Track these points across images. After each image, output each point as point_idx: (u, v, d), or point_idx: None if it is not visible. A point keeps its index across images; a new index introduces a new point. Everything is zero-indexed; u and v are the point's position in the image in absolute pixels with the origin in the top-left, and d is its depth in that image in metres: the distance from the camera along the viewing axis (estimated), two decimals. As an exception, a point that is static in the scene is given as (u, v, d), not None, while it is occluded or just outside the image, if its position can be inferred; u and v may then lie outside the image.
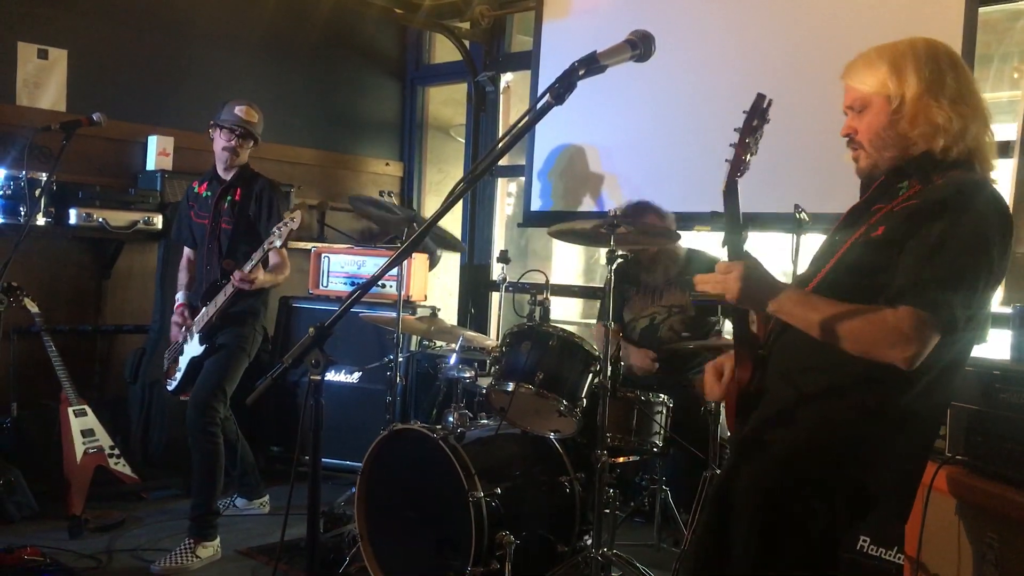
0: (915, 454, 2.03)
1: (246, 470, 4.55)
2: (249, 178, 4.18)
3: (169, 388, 4.23)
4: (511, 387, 3.43)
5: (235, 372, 4.09)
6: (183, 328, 4.18)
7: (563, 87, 1.62)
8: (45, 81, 4.88)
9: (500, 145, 1.69)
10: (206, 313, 4.04)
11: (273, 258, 4.04)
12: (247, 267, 3.88)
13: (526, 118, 1.64)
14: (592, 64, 1.63)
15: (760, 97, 2.01)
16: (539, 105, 1.63)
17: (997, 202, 1.92)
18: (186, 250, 4.37)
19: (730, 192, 2.00)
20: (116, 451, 4.48)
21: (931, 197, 1.91)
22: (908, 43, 2.02)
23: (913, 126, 1.96)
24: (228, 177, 4.17)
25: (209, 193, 4.20)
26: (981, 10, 3.85)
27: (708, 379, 2.20)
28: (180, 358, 4.17)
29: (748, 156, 2.00)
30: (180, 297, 4.28)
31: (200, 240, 4.22)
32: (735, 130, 2.00)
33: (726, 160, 2.00)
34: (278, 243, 3.73)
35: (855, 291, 1.92)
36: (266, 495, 4.61)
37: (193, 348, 4.10)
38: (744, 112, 2.01)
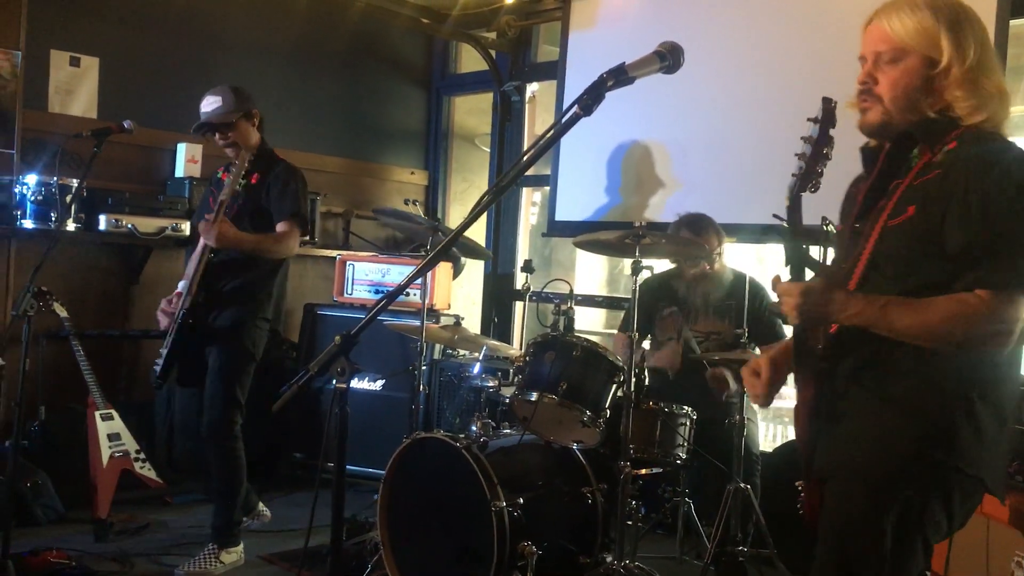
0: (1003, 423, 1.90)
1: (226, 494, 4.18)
2: (268, 163, 3.99)
3: (154, 371, 3.88)
4: (534, 397, 3.43)
5: (244, 377, 3.94)
6: (165, 313, 3.90)
7: (591, 98, 1.62)
8: (77, 88, 4.94)
9: (527, 156, 1.69)
10: (187, 286, 3.80)
11: (280, 227, 3.87)
12: (211, 217, 3.67)
13: (554, 129, 1.64)
14: (621, 76, 1.64)
15: (827, 101, 1.88)
16: (567, 116, 1.63)
17: (1014, 148, 1.85)
18: (200, 242, 4.06)
19: (794, 206, 1.90)
20: (142, 455, 4.51)
21: (955, 164, 1.81)
22: (957, 2, 1.91)
23: (958, 95, 1.85)
24: (247, 162, 3.92)
25: (229, 180, 3.95)
26: (1012, 22, 3.82)
27: (747, 379, 2.12)
28: (168, 341, 3.84)
29: (821, 168, 1.88)
30: (180, 286, 3.96)
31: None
32: (803, 139, 1.88)
33: (793, 175, 1.89)
34: (226, 193, 3.68)
35: (902, 282, 1.84)
36: (259, 503, 4.47)
37: (182, 331, 3.78)
38: (812, 120, 1.87)
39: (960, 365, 1.82)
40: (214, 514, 3.97)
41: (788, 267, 1.93)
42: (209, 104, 3.95)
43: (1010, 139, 1.89)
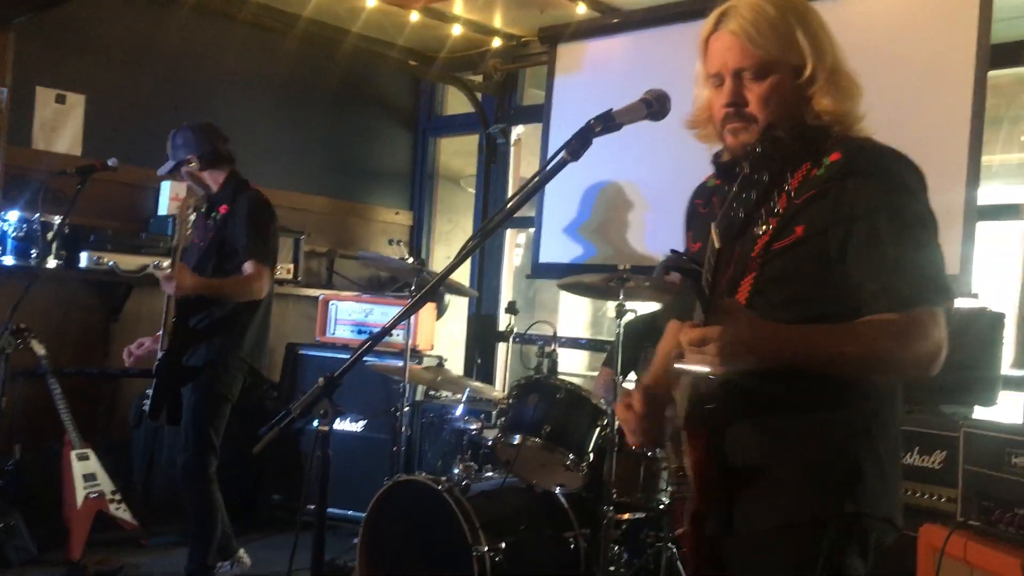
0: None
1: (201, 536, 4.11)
2: (235, 192, 3.96)
3: (144, 409, 3.94)
4: (517, 440, 3.41)
5: (217, 421, 3.89)
6: (131, 353, 3.97)
7: (579, 144, 1.63)
8: (62, 125, 4.93)
9: (515, 200, 1.69)
10: (163, 324, 3.79)
11: (246, 268, 3.82)
12: (171, 266, 3.71)
13: (541, 173, 1.65)
14: (608, 122, 1.65)
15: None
16: (555, 161, 1.64)
17: (903, 156, 1.74)
18: None
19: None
20: (118, 496, 4.44)
21: (847, 179, 1.67)
22: (797, 7, 1.77)
23: (827, 103, 1.74)
24: (215, 195, 4.01)
25: (204, 211, 4.04)
26: (990, 73, 3.88)
27: (621, 415, 1.85)
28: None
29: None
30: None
31: (190, 259, 3.95)
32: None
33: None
34: (176, 240, 3.71)
35: (793, 308, 1.67)
36: (240, 549, 4.29)
37: (159, 372, 3.82)
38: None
39: (862, 398, 1.71)
40: (188, 558, 3.92)
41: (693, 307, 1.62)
42: (171, 147, 4.05)
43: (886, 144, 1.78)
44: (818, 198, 1.65)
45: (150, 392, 3.85)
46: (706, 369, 1.53)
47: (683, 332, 1.55)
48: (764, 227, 1.70)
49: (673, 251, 1.62)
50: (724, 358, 1.50)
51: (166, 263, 4.17)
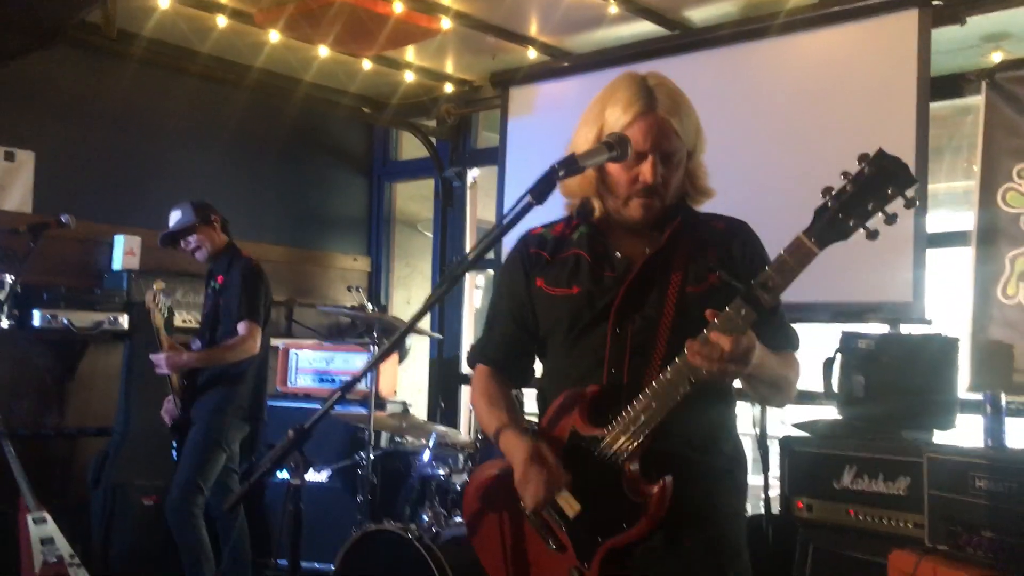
0: None
1: (235, 564, 4.30)
2: (230, 262, 4.33)
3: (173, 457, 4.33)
4: (487, 484, 3.38)
5: (208, 466, 4.16)
6: (168, 413, 4.31)
7: (543, 187, 1.65)
8: (11, 183, 4.86)
9: (481, 245, 1.71)
10: (170, 399, 4.24)
11: (241, 329, 4.17)
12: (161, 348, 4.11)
13: (507, 217, 1.66)
14: (571, 165, 1.67)
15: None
16: (520, 205, 1.65)
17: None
18: None
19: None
20: (76, 560, 4.31)
21: (734, 236, 2.00)
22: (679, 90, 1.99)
23: (701, 175, 2.02)
24: (212, 265, 4.40)
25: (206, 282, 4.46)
26: (932, 105, 4.00)
27: (530, 474, 1.90)
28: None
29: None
30: None
31: (201, 329, 4.42)
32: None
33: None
34: (158, 321, 4.11)
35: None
36: None
37: (174, 432, 4.26)
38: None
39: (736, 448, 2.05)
40: None
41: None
42: (172, 218, 4.36)
43: None
44: (721, 252, 1.96)
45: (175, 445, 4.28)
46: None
47: (723, 342, 1.68)
48: (670, 276, 1.92)
49: (618, 308, 1.92)
50: (745, 371, 1.75)
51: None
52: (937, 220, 4.29)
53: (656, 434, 1.81)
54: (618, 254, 1.99)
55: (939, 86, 4.06)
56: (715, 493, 1.94)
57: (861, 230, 1.64)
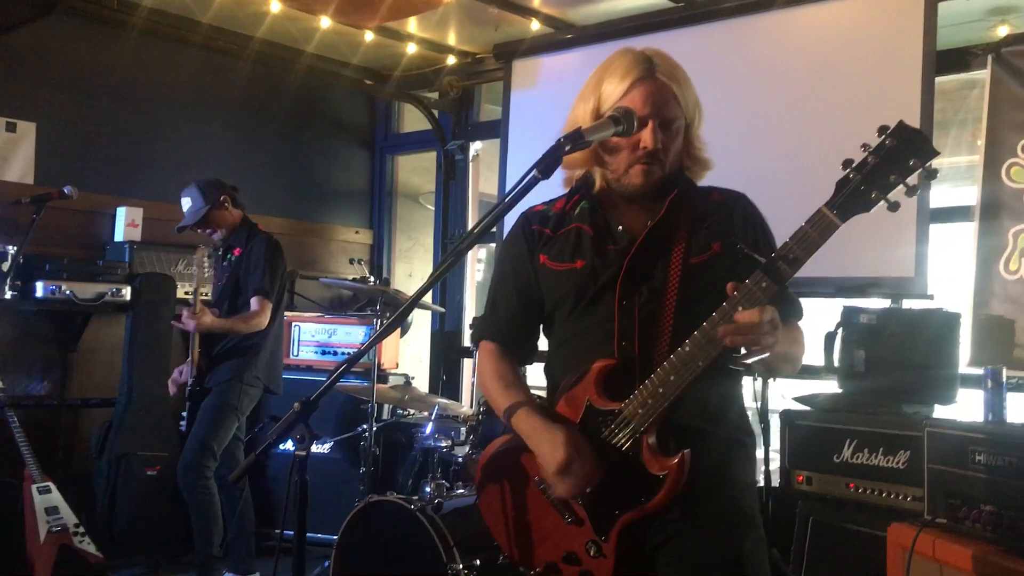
0: None
1: (240, 536, 4.39)
2: (248, 236, 4.43)
3: (181, 429, 4.43)
4: (489, 456, 3.41)
5: (221, 429, 4.27)
6: (175, 383, 4.44)
7: (550, 162, 1.65)
8: (13, 154, 4.85)
9: (486, 220, 1.71)
10: (189, 356, 4.32)
11: (253, 304, 4.29)
12: (191, 307, 4.19)
13: (513, 192, 1.66)
14: (578, 140, 1.67)
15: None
16: (526, 180, 1.65)
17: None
18: None
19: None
20: (81, 529, 4.35)
21: (735, 206, 2.01)
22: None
23: (700, 147, 2.02)
24: (230, 239, 4.50)
25: (220, 254, 4.53)
26: (937, 79, 3.98)
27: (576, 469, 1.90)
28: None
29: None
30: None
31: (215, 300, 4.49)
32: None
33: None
34: (195, 284, 4.23)
35: (710, 305, 1.79)
36: (257, 572, 4.43)
37: (193, 398, 4.33)
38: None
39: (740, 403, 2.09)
40: (196, 552, 4.29)
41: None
42: (184, 205, 4.41)
43: None
44: (722, 222, 1.95)
45: (185, 415, 4.36)
46: (765, 355, 1.72)
47: (754, 316, 1.68)
48: (674, 246, 1.93)
49: (622, 281, 1.93)
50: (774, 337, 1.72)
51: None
52: (940, 195, 4.28)
53: (673, 407, 1.82)
54: (620, 227, 1.99)
55: (944, 60, 4.04)
56: (729, 464, 1.96)
57: (883, 202, 1.65)
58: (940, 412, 3.39)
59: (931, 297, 3.88)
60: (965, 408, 3.45)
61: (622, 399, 1.86)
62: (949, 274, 4.18)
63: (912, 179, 1.64)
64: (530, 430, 1.96)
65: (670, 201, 1.96)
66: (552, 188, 2.00)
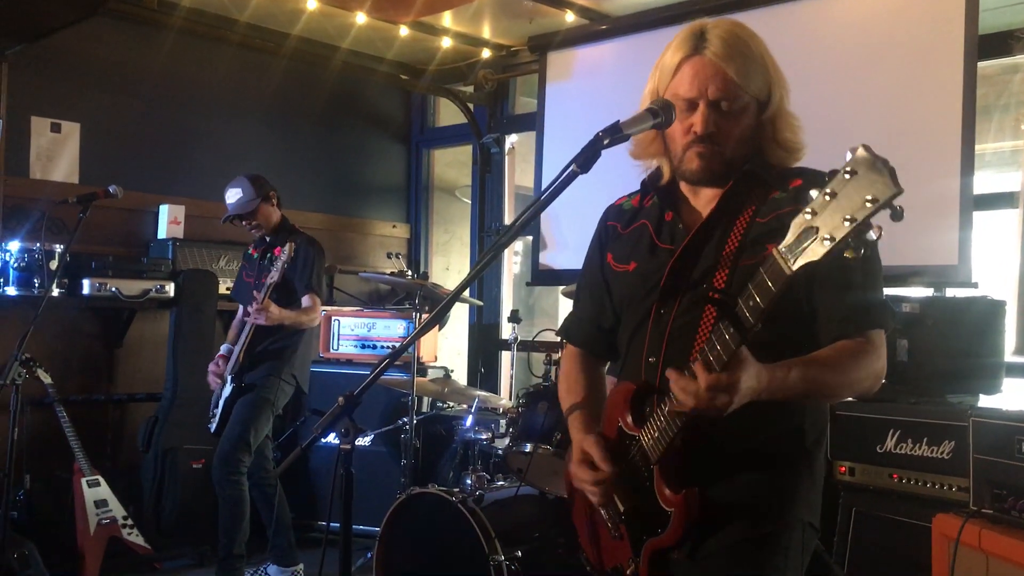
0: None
1: (279, 530, 4.44)
2: (287, 236, 4.44)
3: (210, 429, 4.44)
4: (529, 448, 3.43)
5: (259, 423, 4.30)
6: (215, 375, 4.42)
7: (588, 156, 1.65)
8: (58, 154, 4.95)
9: (525, 214, 1.71)
10: (234, 353, 4.36)
11: (305, 301, 4.36)
12: (259, 299, 4.18)
13: (552, 187, 1.67)
14: (616, 134, 1.66)
15: None
16: (565, 174, 1.65)
17: None
18: (240, 308, 4.62)
19: None
20: (129, 521, 4.45)
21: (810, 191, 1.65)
22: (758, 37, 1.80)
23: (788, 137, 1.80)
24: (270, 238, 4.50)
25: (257, 255, 4.56)
26: (980, 64, 3.91)
27: (585, 476, 1.83)
28: (218, 401, 4.39)
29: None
30: (223, 349, 4.51)
31: (246, 297, 4.45)
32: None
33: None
34: (276, 276, 4.15)
35: (764, 329, 1.55)
36: (300, 564, 4.47)
37: (226, 390, 4.35)
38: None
39: (809, 418, 1.81)
40: (219, 547, 4.30)
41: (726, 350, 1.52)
42: (232, 196, 4.42)
43: None
44: (786, 217, 1.45)
45: (216, 412, 4.39)
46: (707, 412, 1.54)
47: (701, 377, 1.50)
48: (727, 247, 1.73)
49: (663, 288, 1.74)
50: (733, 407, 1.52)
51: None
52: (984, 181, 4.21)
53: (686, 432, 1.65)
54: (680, 224, 1.84)
55: (987, 44, 3.97)
56: (759, 490, 1.76)
57: (844, 252, 1.35)
58: (985, 401, 3.34)
59: (975, 285, 3.82)
60: (1011, 397, 3.40)
61: (644, 424, 1.74)
62: (993, 261, 4.11)
63: (873, 221, 1.31)
64: (573, 434, 1.94)
65: (727, 190, 1.77)
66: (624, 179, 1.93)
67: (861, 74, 4.21)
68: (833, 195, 1.32)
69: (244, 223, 4.46)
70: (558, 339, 4.14)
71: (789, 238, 1.38)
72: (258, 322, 4.22)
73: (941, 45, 3.94)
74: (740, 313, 1.46)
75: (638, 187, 1.99)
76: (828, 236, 1.33)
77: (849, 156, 1.32)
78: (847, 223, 1.30)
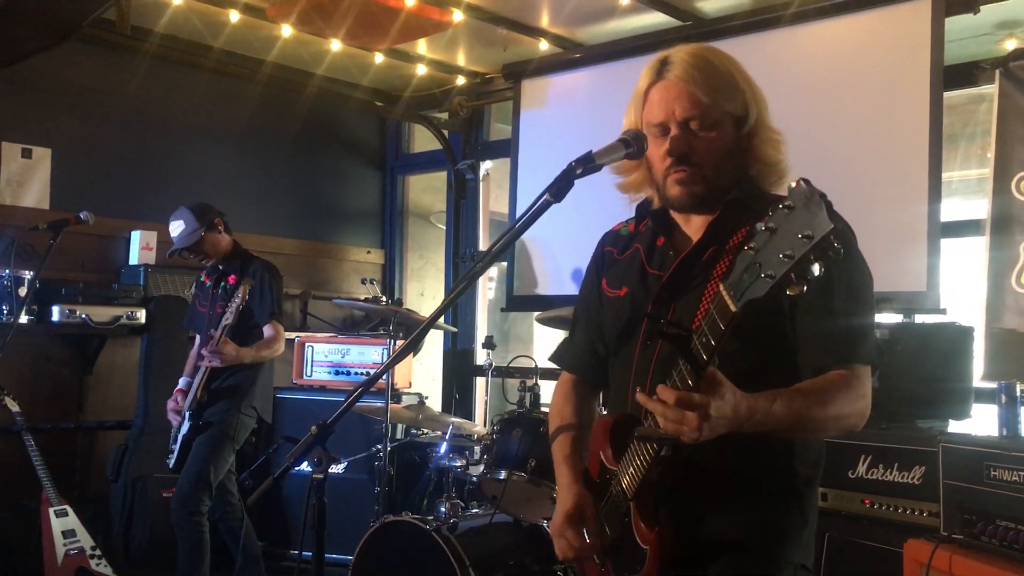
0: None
1: (247, 563, 4.36)
2: (243, 263, 4.33)
3: (168, 464, 4.30)
4: (503, 475, 3.42)
5: (219, 461, 4.17)
6: (174, 411, 4.27)
7: (561, 185, 1.66)
8: (28, 179, 4.91)
9: (499, 243, 1.72)
10: (192, 389, 4.19)
11: (267, 331, 4.22)
12: (214, 341, 4.03)
13: (524, 216, 1.68)
14: (588, 163, 1.68)
15: None
16: (538, 203, 1.67)
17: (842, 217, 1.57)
18: (196, 339, 4.50)
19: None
20: (98, 552, 4.37)
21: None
22: (727, 55, 1.80)
23: (769, 153, 1.76)
24: (223, 266, 4.35)
25: (210, 283, 4.39)
26: (946, 93, 3.99)
27: (571, 554, 1.82)
28: (177, 436, 4.25)
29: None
30: (181, 383, 4.36)
31: (201, 327, 4.35)
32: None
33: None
34: (230, 319, 4.00)
35: (743, 359, 1.62)
36: None
37: (184, 427, 4.20)
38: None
39: (800, 456, 1.76)
40: None
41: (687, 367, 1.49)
42: (175, 229, 4.27)
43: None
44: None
45: (174, 447, 4.23)
46: (674, 437, 1.49)
47: (665, 395, 1.47)
48: (710, 280, 1.69)
49: (650, 315, 1.69)
50: (704, 431, 1.46)
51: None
52: (951, 208, 4.28)
53: (664, 466, 1.62)
54: (671, 251, 1.81)
55: (952, 74, 4.05)
56: (747, 530, 1.72)
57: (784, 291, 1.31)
58: (954, 427, 3.38)
59: (944, 311, 3.87)
60: (979, 423, 3.44)
61: (621, 459, 1.72)
62: (961, 288, 4.17)
63: (813, 259, 1.28)
64: (558, 480, 1.92)
65: (715, 219, 1.74)
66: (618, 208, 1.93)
67: (830, 104, 4.28)
68: (773, 231, 1.30)
69: (191, 255, 4.31)
70: (533, 365, 4.16)
71: (734, 275, 1.36)
72: (213, 364, 4.07)
73: (908, 75, 4.02)
74: (695, 349, 1.44)
75: (614, 214, 1.99)
76: (769, 273, 1.30)
77: (789, 189, 1.30)
78: (785, 260, 1.28)
